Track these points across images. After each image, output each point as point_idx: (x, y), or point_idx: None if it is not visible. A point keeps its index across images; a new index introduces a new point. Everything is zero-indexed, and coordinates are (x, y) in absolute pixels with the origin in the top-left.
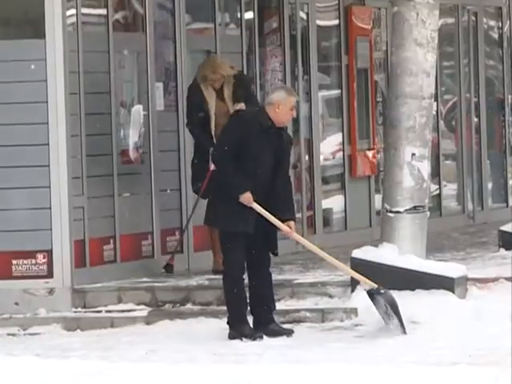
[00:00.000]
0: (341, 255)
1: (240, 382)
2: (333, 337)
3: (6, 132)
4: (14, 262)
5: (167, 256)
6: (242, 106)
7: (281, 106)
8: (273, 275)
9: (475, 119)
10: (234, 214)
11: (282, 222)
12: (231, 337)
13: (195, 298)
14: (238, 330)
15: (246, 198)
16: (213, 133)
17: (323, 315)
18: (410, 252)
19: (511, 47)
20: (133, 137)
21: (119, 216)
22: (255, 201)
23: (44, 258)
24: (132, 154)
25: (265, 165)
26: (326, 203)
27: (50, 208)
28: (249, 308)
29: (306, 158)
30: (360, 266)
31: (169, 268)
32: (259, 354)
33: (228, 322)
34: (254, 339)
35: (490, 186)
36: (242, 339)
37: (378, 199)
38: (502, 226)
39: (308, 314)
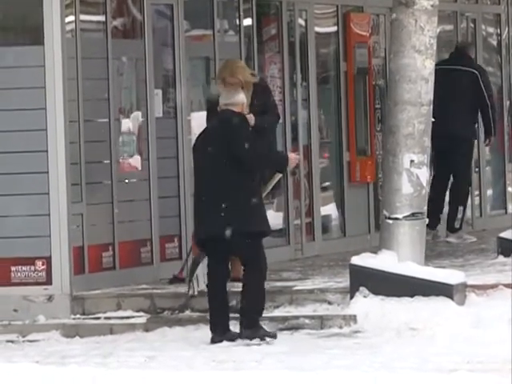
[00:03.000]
0: (339, 262)
1: None
2: (331, 343)
3: (5, 139)
4: (13, 268)
5: (165, 263)
6: (251, 117)
7: (244, 107)
8: (271, 282)
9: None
10: (266, 215)
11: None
12: (248, 336)
13: (194, 305)
14: (260, 331)
15: (293, 158)
16: None
17: (322, 322)
18: (409, 259)
19: (510, 54)
20: (131, 143)
21: (118, 223)
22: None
23: (43, 264)
24: (131, 161)
25: None
26: (324, 210)
27: (49, 215)
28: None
29: (305, 164)
30: (359, 272)
31: (175, 281)
32: (258, 360)
33: (248, 323)
34: (275, 337)
35: (489, 192)
36: (264, 339)
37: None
38: (500, 232)
39: (307, 321)
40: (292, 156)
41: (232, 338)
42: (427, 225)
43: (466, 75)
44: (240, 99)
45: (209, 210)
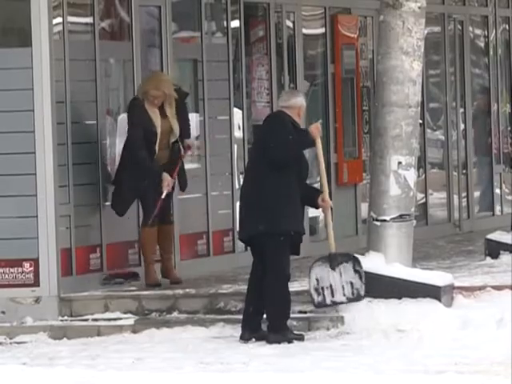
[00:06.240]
0: None
1: None
2: (319, 345)
3: None
4: (0, 270)
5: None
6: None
7: (301, 110)
8: None
9: (462, 127)
10: (296, 214)
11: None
12: (275, 341)
13: (181, 307)
14: (287, 334)
15: (314, 128)
16: (156, 153)
17: (309, 323)
18: (397, 260)
19: (497, 56)
20: (119, 145)
21: (105, 225)
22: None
23: (30, 266)
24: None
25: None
26: (312, 211)
27: (37, 216)
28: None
29: None
30: None
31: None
32: (245, 362)
33: (274, 327)
34: (303, 340)
35: (476, 194)
36: (292, 342)
37: (364, 207)
38: (488, 234)
39: (294, 323)
40: (312, 127)
41: (263, 337)
42: None
43: None
44: (298, 103)
45: (246, 211)
